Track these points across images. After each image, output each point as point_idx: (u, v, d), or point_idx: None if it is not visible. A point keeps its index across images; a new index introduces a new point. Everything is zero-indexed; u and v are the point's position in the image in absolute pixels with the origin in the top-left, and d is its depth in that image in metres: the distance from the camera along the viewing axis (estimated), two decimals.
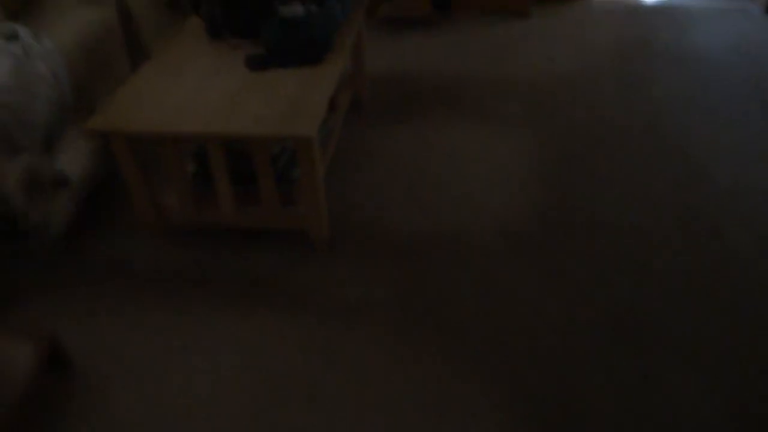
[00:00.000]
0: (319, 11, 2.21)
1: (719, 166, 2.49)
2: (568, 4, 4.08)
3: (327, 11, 2.22)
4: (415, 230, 2.25)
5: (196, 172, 2.18)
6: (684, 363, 1.76)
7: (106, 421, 1.67)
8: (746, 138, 2.65)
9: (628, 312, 1.91)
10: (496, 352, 1.81)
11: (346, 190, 2.46)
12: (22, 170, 1.95)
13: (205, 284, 2.06)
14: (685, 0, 4.09)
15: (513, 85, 3.14)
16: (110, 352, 1.85)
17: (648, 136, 2.70)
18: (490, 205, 2.35)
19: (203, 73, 2.11)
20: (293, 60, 2.12)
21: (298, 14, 2.17)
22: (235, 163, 2.09)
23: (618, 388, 1.70)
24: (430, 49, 3.55)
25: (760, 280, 1.99)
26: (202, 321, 1.93)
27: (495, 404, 1.67)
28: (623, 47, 3.48)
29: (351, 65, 2.86)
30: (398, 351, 1.82)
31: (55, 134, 2.24)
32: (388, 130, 2.82)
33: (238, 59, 2.17)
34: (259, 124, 1.82)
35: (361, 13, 2.56)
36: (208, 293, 2.03)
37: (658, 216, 2.26)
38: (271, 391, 1.73)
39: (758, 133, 2.67)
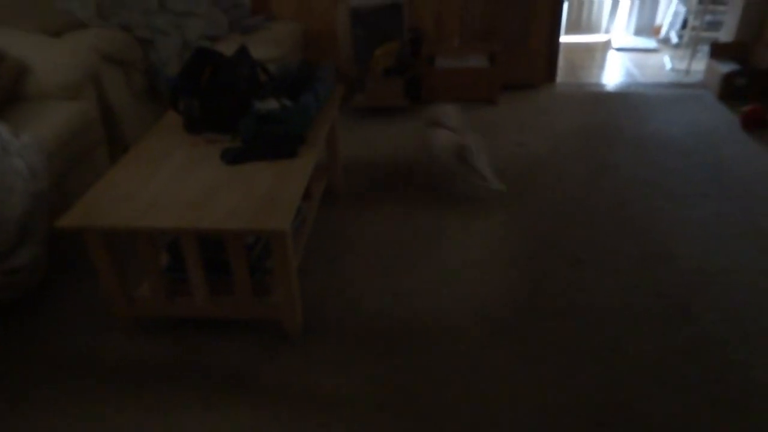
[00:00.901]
0: (293, 106, 2.31)
1: (684, 247, 2.57)
2: (533, 91, 4.30)
3: (301, 106, 2.32)
4: (392, 317, 2.25)
5: (169, 263, 2.19)
6: None
7: None
8: (707, 219, 2.75)
9: (602, 396, 1.91)
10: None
11: (321, 277, 2.47)
12: None
13: (176, 380, 2.02)
14: (642, 87, 4.34)
15: None
16: None
17: (615, 216, 2.79)
18: (466, 291, 2.37)
19: (179, 166, 2.17)
20: (269, 153, 2.19)
21: (273, 109, 2.26)
22: (209, 253, 2.11)
23: None
24: (402, 136, 3.68)
25: (731, 361, 2.02)
26: (172, 419, 1.88)
27: None
28: (588, 132, 3.64)
29: (325, 154, 2.95)
30: None
31: (30, 227, 2.25)
32: (363, 216, 2.87)
33: (215, 153, 2.24)
34: (233, 218, 1.86)
35: (335, 105, 2.67)
36: (179, 389, 1.98)
37: (628, 298, 2.30)
38: None
39: (717, 214, 2.78)
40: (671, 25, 5.37)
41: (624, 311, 2.24)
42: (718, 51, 4.18)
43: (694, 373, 1.98)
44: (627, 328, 2.16)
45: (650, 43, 5.32)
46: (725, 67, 4.01)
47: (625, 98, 4.13)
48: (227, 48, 2.69)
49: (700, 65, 4.51)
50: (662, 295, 2.31)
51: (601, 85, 4.44)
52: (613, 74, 4.68)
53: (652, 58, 4.99)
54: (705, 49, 4.43)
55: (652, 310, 2.24)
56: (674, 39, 5.30)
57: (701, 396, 1.90)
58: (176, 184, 2.05)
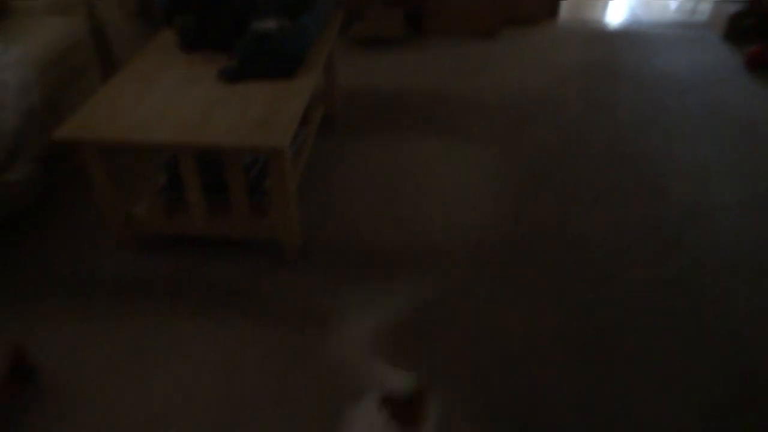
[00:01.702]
0: (292, 26, 2.25)
1: (679, 184, 2.58)
2: (534, 26, 4.21)
3: (300, 27, 2.26)
4: (386, 242, 2.27)
5: (167, 182, 2.18)
6: (644, 372, 1.81)
7: (68, 425, 1.64)
8: (704, 157, 2.76)
9: (590, 322, 1.96)
10: (461, 358, 1.84)
11: (318, 201, 2.48)
12: None
13: (174, 294, 2.05)
14: (646, 26, 4.25)
15: (482, 102, 3.22)
16: (77, 364, 1.82)
17: (611, 153, 2.79)
18: (460, 219, 2.39)
19: (175, 84, 2.13)
20: (266, 73, 2.15)
21: (271, 29, 2.21)
22: (206, 173, 2.10)
23: (578, 396, 1.74)
24: (401, 67, 3.62)
25: (723, 290, 2.06)
26: (172, 331, 1.92)
27: (466, 403, 1.69)
28: (588, 69, 3.59)
29: (323, 81, 2.90)
30: None
31: (22, 142, 2.22)
32: (360, 145, 2.85)
33: (211, 72, 2.19)
34: (231, 134, 1.84)
35: (333, 30, 2.61)
36: (177, 303, 2.02)
37: (620, 230, 2.33)
38: (240, 398, 1.72)
39: (715, 152, 2.79)
40: None
41: (615, 243, 2.27)
42: None
43: (684, 301, 2.03)
44: (617, 259, 2.20)
45: None
46: (732, 7, 3.93)
47: (628, 37, 4.06)
48: None
49: (706, 5, 4.42)
50: (655, 228, 2.34)
51: (605, 23, 4.35)
52: (617, 12, 4.58)
53: None
54: None
55: (644, 242, 2.28)
56: None
57: (690, 323, 1.95)
58: (173, 101, 2.02)
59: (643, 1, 4.77)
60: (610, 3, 4.78)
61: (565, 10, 4.48)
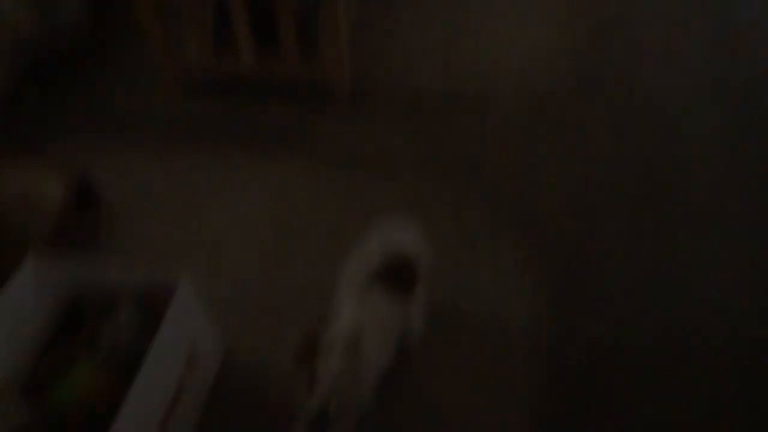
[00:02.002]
0: None
1: (760, 37, 2.39)
2: None
3: None
4: (442, 87, 2.21)
5: (215, 21, 2.13)
6: (700, 218, 1.78)
7: (133, 248, 1.74)
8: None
9: (649, 171, 1.91)
10: (514, 201, 1.83)
11: (371, 42, 2.39)
12: None
13: (224, 134, 2.07)
14: None
15: None
16: (137, 194, 1.89)
17: (689, 3, 2.58)
18: (518, 65, 2.29)
19: None
20: None
21: None
22: (256, 11, 2.04)
23: (630, 237, 1.73)
24: None
25: None
26: (225, 165, 1.96)
27: (514, 244, 1.72)
28: None
29: None
30: (417, 196, 1.85)
31: None
32: None
33: None
34: None
35: None
36: (227, 142, 2.04)
37: (689, 82, 2.20)
38: (292, 225, 1.78)
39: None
40: None
41: (683, 94, 2.16)
42: None
43: (751, 152, 1.95)
44: (683, 110, 2.10)
45: None
46: None
47: None
48: None
49: None
50: (726, 80, 2.20)
51: None
52: None
53: None
54: None
55: (713, 94, 2.15)
56: None
57: (756, 174, 1.88)
58: None
59: None
60: None
61: None
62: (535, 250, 1.72)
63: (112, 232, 1.79)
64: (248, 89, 2.22)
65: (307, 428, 1.12)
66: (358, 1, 2.36)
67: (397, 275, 1.28)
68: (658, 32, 2.42)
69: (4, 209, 1.61)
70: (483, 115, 2.11)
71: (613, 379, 1.46)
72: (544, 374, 1.46)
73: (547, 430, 1.38)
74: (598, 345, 1.52)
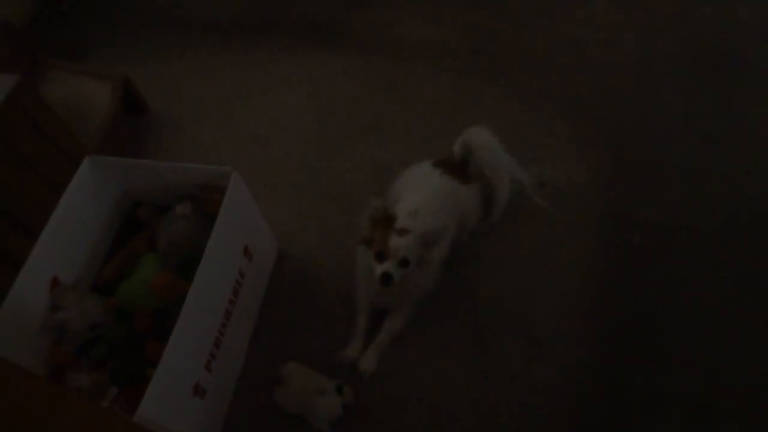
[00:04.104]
0: None
1: None
2: None
3: None
4: None
5: None
6: (764, 91, 1.66)
7: (181, 150, 1.75)
8: None
9: (713, 43, 1.77)
10: (570, 87, 1.74)
11: None
12: None
13: (265, 31, 2.02)
14: None
15: None
16: (183, 97, 1.89)
17: None
18: None
19: None
20: None
21: None
22: None
23: (693, 113, 1.64)
24: None
25: None
26: (268, 64, 1.92)
27: (569, 135, 1.65)
28: None
29: None
30: (465, 84, 1.79)
31: None
32: None
33: None
34: None
35: None
36: (267, 38, 1.99)
37: None
38: (338, 117, 1.76)
39: None
40: None
41: None
42: None
43: None
44: None
45: None
46: None
47: None
48: None
49: None
50: None
51: None
52: None
53: None
54: None
55: None
56: None
57: None
58: None
59: None
60: None
61: None
62: (589, 127, 1.64)
63: (159, 136, 1.81)
64: None
65: (377, 292, 1.27)
66: None
67: (457, 166, 1.41)
68: None
69: (56, 116, 1.64)
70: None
71: (675, 262, 1.42)
72: (604, 256, 1.44)
73: (604, 311, 1.38)
74: (659, 228, 1.47)
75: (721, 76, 1.71)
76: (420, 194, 1.34)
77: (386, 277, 1.19)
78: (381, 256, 1.21)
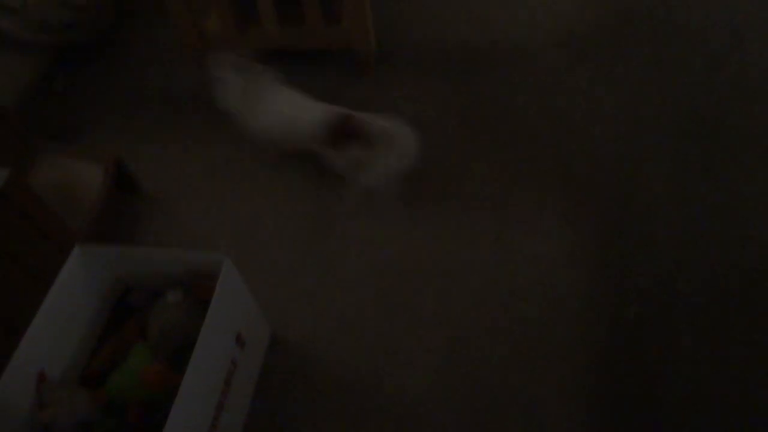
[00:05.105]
0: None
1: None
2: None
3: None
4: (470, 44, 2.13)
5: None
6: (750, 156, 1.69)
7: (173, 231, 1.75)
8: None
9: (694, 110, 1.82)
10: (556, 158, 1.77)
11: (393, 4, 2.32)
12: None
13: None
14: None
15: None
16: (173, 177, 1.90)
17: None
18: (549, 12, 2.19)
19: None
20: None
21: None
22: None
23: (680, 181, 1.66)
24: None
25: None
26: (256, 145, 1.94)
27: (555, 206, 1.67)
28: None
29: None
30: (455, 159, 1.81)
31: None
32: None
33: None
34: None
35: None
36: None
37: (733, 19, 2.07)
38: (328, 196, 1.76)
39: None
40: None
41: (729, 32, 2.03)
42: None
43: None
44: (729, 48, 1.98)
45: None
46: None
47: None
48: None
49: None
50: None
51: None
52: None
53: None
54: None
55: (757, 27, 2.02)
56: None
57: None
58: None
59: None
60: None
61: None
62: (578, 199, 1.66)
63: (152, 215, 1.80)
64: (274, 61, 2.17)
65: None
66: None
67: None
68: None
69: (46, 200, 1.63)
70: (516, 67, 2.03)
71: (674, 332, 1.42)
72: (601, 331, 1.43)
73: (605, 398, 1.36)
74: (652, 297, 1.47)
75: (704, 144, 1.75)
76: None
77: None
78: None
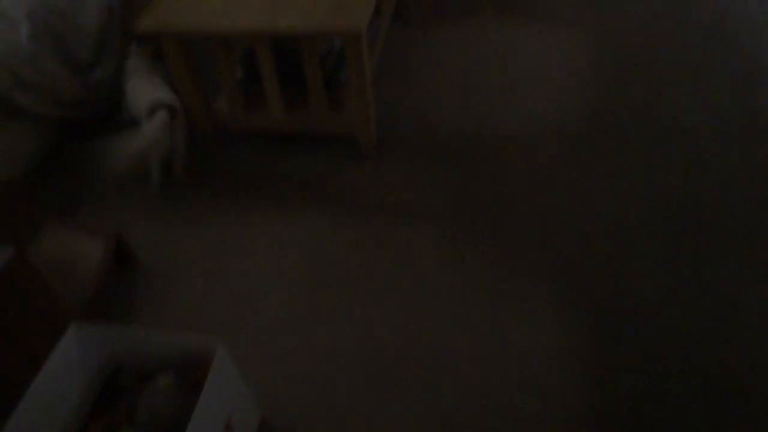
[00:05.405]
0: None
1: None
2: None
3: None
4: (465, 134, 2.22)
5: (244, 75, 2.18)
6: (738, 256, 1.73)
7: (169, 307, 1.76)
8: None
9: (682, 208, 1.87)
10: (547, 250, 1.81)
11: (393, 94, 2.43)
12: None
13: (256, 186, 2.10)
14: None
15: None
16: (171, 251, 1.92)
17: (711, 33, 2.55)
18: (543, 107, 2.29)
19: None
20: None
21: None
22: (283, 64, 2.08)
23: (669, 281, 1.69)
24: None
25: None
26: (256, 221, 1.99)
27: (547, 297, 1.69)
28: None
29: None
30: (449, 246, 1.85)
31: (105, 40, 2.26)
32: (436, 33, 2.74)
33: None
34: (308, 19, 1.80)
35: None
36: (260, 195, 2.07)
37: (716, 117, 2.17)
38: (324, 278, 1.78)
39: None
40: None
41: (711, 130, 2.12)
42: None
43: None
44: (712, 146, 2.06)
45: None
46: None
47: None
48: None
49: None
50: (753, 114, 2.16)
51: None
52: None
53: None
54: None
55: (741, 130, 2.11)
56: None
57: None
58: None
59: None
60: None
61: None
62: (569, 293, 1.68)
63: (148, 291, 1.82)
64: (278, 142, 2.25)
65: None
66: (379, 56, 2.39)
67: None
68: (683, 69, 2.40)
69: (46, 276, 1.65)
70: (509, 158, 2.10)
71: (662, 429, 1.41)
72: (592, 424, 1.42)
73: None
74: (646, 399, 1.47)
75: (693, 243, 1.79)
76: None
77: None
78: None
